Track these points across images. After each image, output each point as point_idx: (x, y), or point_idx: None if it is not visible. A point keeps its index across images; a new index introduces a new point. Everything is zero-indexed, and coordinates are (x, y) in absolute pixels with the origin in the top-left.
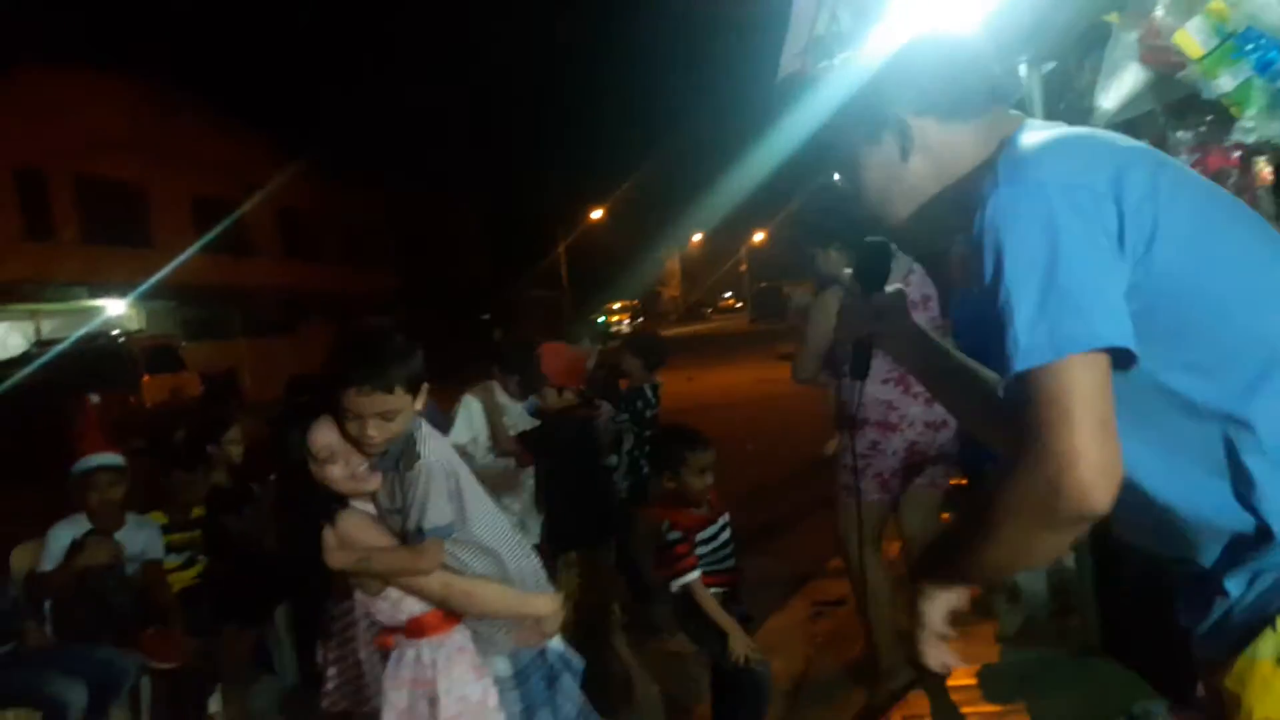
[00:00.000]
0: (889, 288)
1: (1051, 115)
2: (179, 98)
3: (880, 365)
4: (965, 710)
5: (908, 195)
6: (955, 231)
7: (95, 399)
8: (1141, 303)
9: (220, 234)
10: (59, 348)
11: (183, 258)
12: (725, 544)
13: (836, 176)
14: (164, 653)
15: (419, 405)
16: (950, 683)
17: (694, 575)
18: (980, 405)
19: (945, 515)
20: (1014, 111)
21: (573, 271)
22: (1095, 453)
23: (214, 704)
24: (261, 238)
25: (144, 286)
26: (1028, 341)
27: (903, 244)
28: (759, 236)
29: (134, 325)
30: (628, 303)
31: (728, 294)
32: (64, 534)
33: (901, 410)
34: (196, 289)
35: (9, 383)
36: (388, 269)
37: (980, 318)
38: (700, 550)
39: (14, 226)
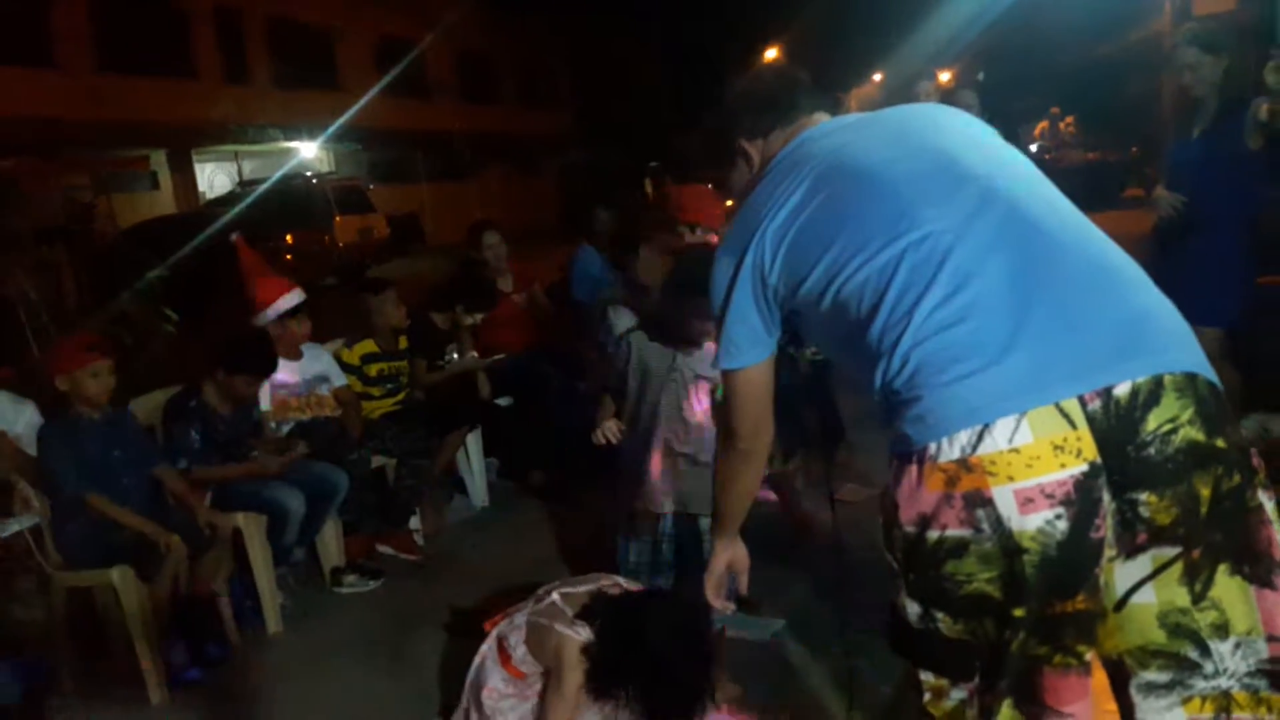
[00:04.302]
0: None
1: None
2: None
3: None
4: None
5: None
6: None
7: (235, 237)
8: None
9: (404, 78)
10: (261, 188)
11: (366, 99)
12: None
13: None
14: (405, 549)
15: None
16: None
17: None
18: None
19: None
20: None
21: None
22: (741, 424)
23: (414, 522)
24: (443, 81)
25: (332, 128)
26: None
27: None
28: (945, 76)
29: (325, 167)
30: None
31: None
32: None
33: None
34: (382, 132)
35: (220, 220)
36: (565, 112)
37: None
38: None
39: (217, 70)
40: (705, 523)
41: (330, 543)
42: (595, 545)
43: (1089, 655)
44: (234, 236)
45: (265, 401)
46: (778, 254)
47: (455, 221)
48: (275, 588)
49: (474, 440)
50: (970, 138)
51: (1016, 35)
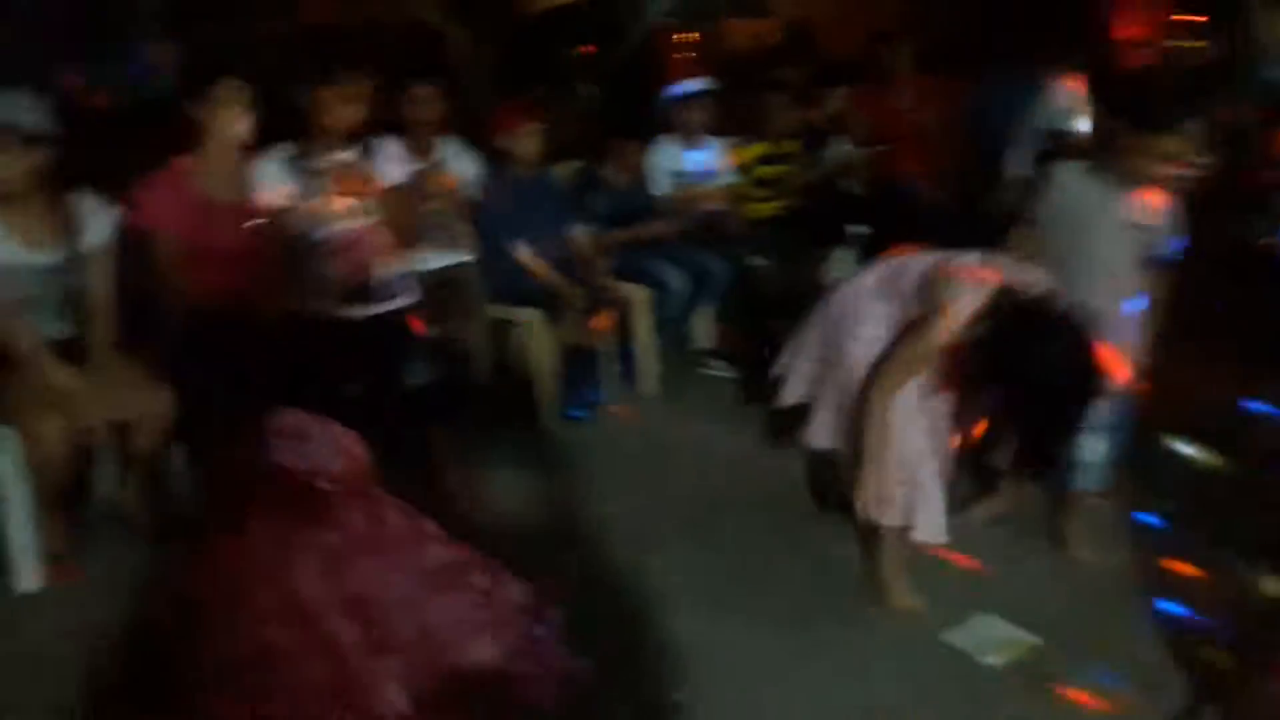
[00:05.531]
0: None
1: None
2: None
3: None
4: None
5: None
6: None
7: (663, 23)
8: None
9: None
10: None
11: None
12: None
13: None
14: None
15: None
16: None
17: None
18: None
19: None
20: None
21: None
22: None
23: None
24: None
25: None
26: None
27: None
28: None
29: None
30: None
31: None
32: (661, 154)
33: None
34: None
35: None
36: None
37: None
38: None
39: None
40: None
41: (702, 327)
42: None
43: None
44: (664, 21)
45: (664, 186)
46: None
47: (847, 33)
48: (653, 355)
49: (843, 255)
50: None
51: None
